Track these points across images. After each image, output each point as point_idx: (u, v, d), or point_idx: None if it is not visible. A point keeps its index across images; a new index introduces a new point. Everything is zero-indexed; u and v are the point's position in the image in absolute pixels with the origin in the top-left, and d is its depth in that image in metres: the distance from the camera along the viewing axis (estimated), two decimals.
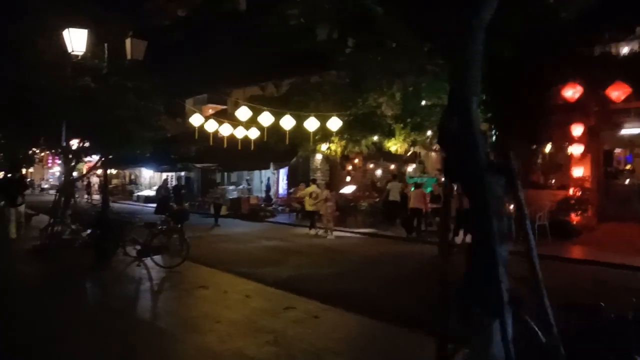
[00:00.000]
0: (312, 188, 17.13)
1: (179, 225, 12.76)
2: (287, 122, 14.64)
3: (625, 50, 13.69)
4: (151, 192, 29.31)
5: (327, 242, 14.78)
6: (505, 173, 3.30)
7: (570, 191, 13.93)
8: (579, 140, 13.98)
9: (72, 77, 10.59)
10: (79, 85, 10.48)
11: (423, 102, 22.68)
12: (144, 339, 5.87)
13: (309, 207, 16.67)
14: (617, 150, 18.49)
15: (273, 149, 21.37)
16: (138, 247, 9.94)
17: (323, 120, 15.55)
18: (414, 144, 23.31)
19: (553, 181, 15.23)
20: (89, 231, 11.15)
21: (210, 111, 31.36)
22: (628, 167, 18.34)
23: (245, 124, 17.53)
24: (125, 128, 11.06)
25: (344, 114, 15.87)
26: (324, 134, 20.75)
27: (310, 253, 12.76)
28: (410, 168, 29.15)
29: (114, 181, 39.17)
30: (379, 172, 26.91)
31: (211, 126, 16.83)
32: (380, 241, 15.09)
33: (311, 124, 14.66)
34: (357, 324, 6.54)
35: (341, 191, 21.20)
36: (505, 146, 15.53)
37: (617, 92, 12.81)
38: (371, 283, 9.33)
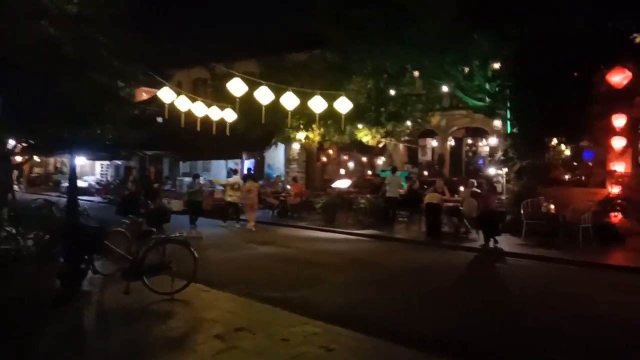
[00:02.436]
0: (235, 179, 16.14)
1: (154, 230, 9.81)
2: (289, 101, 11.87)
3: None
4: (82, 183, 25.22)
5: (333, 247, 12.21)
6: None
7: (611, 189, 12.30)
8: (621, 132, 12.36)
9: (25, 19, 7.21)
10: (36, 32, 7.12)
11: (392, 92, 20.89)
12: None
13: (229, 198, 15.92)
14: None
15: (244, 136, 18.43)
16: (124, 264, 6.92)
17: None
18: (388, 134, 21.39)
19: (583, 178, 13.58)
20: (33, 235, 7.88)
21: (144, 95, 27.52)
22: None
23: (221, 104, 14.54)
24: (99, 100, 7.83)
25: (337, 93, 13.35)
26: (308, 120, 18.20)
27: (329, 263, 10.15)
28: (380, 161, 27.29)
29: (36, 170, 34.06)
30: (351, 164, 24.71)
31: (183, 104, 13.66)
32: (397, 246, 12.72)
33: (317, 104, 12.03)
34: None
35: (334, 185, 18.68)
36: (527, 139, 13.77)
37: None
38: (460, 310, 6.96)
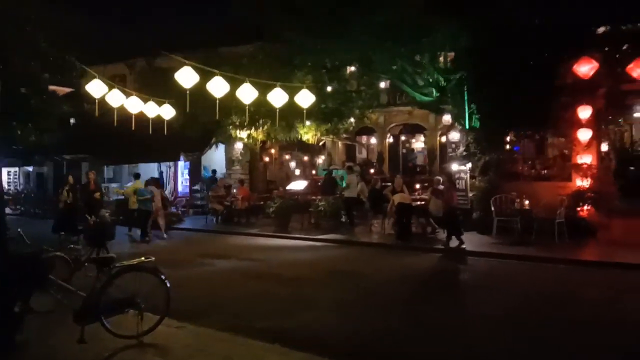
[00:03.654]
0: (138, 184, 14.64)
1: (98, 249, 8.12)
2: (246, 94, 10.44)
3: None
4: None
5: (301, 257, 10.95)
6: None
7: (581, 183, 12.03)
8: (586, 124, 12.13)
9: None
10: None
11: (329, 88, 20.00)
12: None
13: (132, 205, 14.22)
14: None
15: (183, 136, 16.61)
16: (74, 301, 5.27)
17: (264, 93, 11.48)
18: (332, 132, 20.51)
19: (544, 172, 13.29)
20: None
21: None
22: None
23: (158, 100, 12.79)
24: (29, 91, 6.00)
25: (298, 85, 12.12)
26: (251, 117, 16.70)
27: (307, 278, 8.88)
28: (320, 159, 26.33)
29: None
30: (292, 163, 23.50)
31: (115, 98, 11.76)
32: (369, 251, 11.68)
33: (277, 97, 10.70)
34: None
35: (288, 187, 17.32)
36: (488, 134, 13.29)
37: None
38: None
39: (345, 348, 5.35)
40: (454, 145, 28.32)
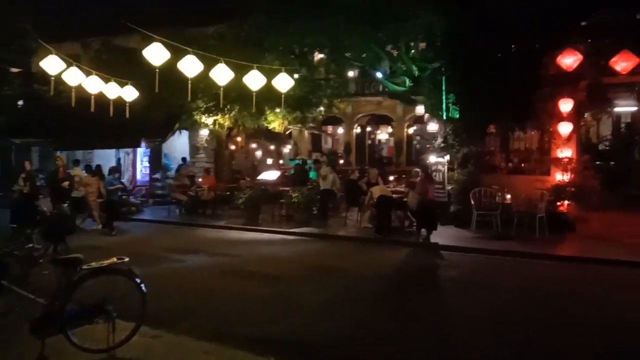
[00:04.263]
0: (77, 171, 13.93)
1: (55, 245, 7.23)
2: (221, 76, 9.59)
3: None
4: None
5: (277, 252, 10.28)
6: None
7: (562, 177, 11.84)
8: (567, 117, 11.95)
9: None
10: None
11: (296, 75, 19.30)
12: None
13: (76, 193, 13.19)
14: None
15: (143, 120, 15.52)
16: (33, 310, 4.45)
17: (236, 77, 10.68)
18: (300, 121, 19.84)
19: (523, 165, 13.09)
20: None
21: None
22: None
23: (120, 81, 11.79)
24: None
25: (276, 68, 11.37)
26: (218, 102, 15.77)
27: (287, 275, 8.24)
28: (287, 149, 25.63)
29: None
30: (259, 152, 22.71)
31: (74, 77, 10.67)
32: (348, 246, 11.12)
33: (254, 80, 9.91)
34: None
35: (260, 177, 16.51)
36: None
37: (624, 63, 10.99)
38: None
39: (339, 357, 4.78)
40: (418, 137, 28.39)
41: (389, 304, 6.91)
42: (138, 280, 4.82)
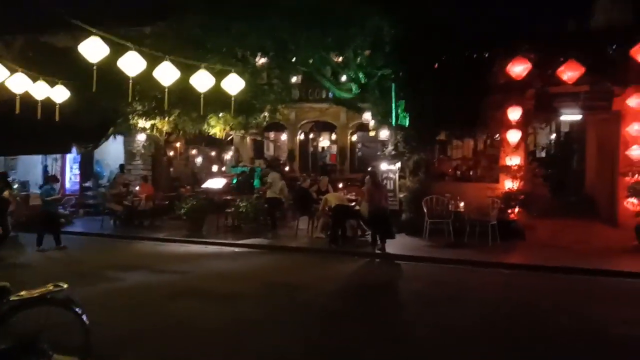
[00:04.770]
0: None
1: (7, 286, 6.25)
2: (167, 76, 8.81)
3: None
4: None
5: (228, 267, 9.58)
6: None
7: (512, 185, 11.89)
8: (516, 125, 12.06)
9: None
10: None
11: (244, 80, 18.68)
12: None
13: None
14: None
15: (74, 124, 14.23)
16: None
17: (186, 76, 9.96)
18: (243, 127, 19.16)
19: (471, 173, 13.10)
20: None
21: None
22: None
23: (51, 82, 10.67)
24: None
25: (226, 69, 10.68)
26: (160, 105, 14.81)
27: (247, 294, 7.58)
28: (228, 155, 24.76)
29: None
30: (199, 159, 21.73)
31: None
32: (303, 258, 10.56)
33: (202, 81, 9.21)
34: None
35: (205, 185, 15.57)
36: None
37: (571, 73, 11.20)
38: None
39: None
40: (360, 145, 28.33)
41: (358, 321, 6.44)
42: (78, 311, 4.07)
